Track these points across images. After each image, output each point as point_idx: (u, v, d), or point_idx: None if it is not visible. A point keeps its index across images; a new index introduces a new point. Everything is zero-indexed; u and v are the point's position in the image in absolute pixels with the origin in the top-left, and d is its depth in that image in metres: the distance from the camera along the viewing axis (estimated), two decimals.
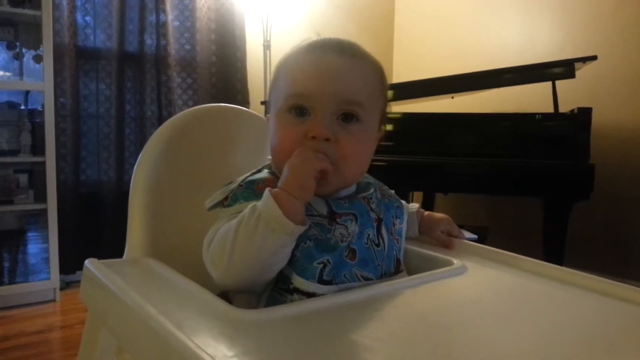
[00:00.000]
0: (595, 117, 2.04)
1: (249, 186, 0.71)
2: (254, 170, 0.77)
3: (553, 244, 2.06)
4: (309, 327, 0.55)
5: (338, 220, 0.70)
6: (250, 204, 0.65)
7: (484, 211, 3.01)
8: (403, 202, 0.95)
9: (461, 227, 0.96)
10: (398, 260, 0.78)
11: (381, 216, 0.77)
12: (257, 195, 0.67)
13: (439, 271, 0.74)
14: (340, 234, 0.70)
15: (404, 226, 0.84)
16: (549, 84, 2.17)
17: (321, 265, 0.67)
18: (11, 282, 2.35)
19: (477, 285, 0.72)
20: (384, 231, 0.76)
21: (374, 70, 0.76)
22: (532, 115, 2.14)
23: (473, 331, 0.56)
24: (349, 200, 0.74)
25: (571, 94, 2.38)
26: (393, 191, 0.88)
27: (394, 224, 0.80)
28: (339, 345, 0.52)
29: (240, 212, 0.66)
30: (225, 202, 0.71)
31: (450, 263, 0.77)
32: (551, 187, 2.05)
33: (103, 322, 0.73)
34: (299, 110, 0.71)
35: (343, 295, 0.63)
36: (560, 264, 0.76)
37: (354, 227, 0.71)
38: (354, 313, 0.59)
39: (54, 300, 2.36)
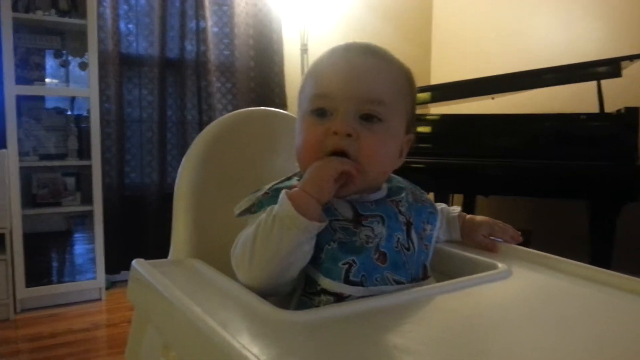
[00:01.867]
0: None
1: (275, 193, 0.71)
2: (284, 178, 0.78)
3: (600, 247, 1.99)
4: (350, 329, 0.55)
5: (364, 222, 0.70)
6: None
7: (527, 214, 2.94)
8: (444, 205, 0.94)
9: None
10: (425, 267, 0.77)
11: (411, 220, 0.76)
12: None
13: (483, 275, 0.73)
14: (366, 235, 0.69)
15: (435, 232, 0.82)
16: (594, 83, 2.11)
17: (346, 266, 0.67)
18: (59, 281, 2.44)
19: (522, 289, 0.70)
20: (414, 235, 0.76)
21: (400, 71, 0.76)
22: (577, 115, 2.08)
23: (517, 336, 0.55)
24: (376, 203, 0.74)
25: (618, 94, 2.30)
26: (429, 195, 0.87)
27: (424, 229, 0.79)
28: (382, 348, 0.51)
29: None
30: (252, 208, 0.73)
31: (494, 267, 0.76)
32: (597, 189, 1.99)
33: (149, 321, 0.75)
34: (321, 111, 0.72)
35: (384, 298, 0.63)
36: (608, 269, 0.73)
37: (380, 229, 0.71)
38: (395, 316, 0.59)
39: (99, 299, 2.44)
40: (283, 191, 0.67)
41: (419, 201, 0.81)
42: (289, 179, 0.77)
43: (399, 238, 0.73)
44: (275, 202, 0.68)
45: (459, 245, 0.89)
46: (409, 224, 0.76)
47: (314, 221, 0.64)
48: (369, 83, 0.72)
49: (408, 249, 0.74)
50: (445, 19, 3.59)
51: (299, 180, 0.74)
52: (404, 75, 0.77)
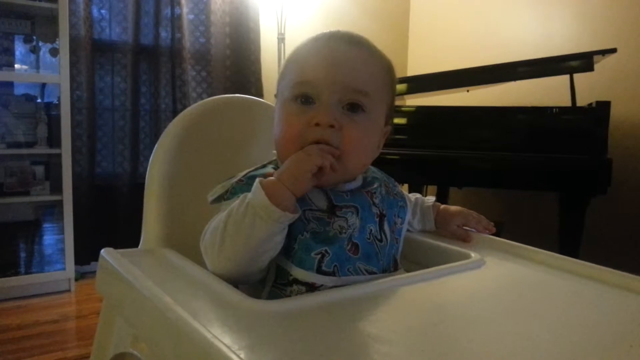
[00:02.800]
0: (614, 111, 2.01)
1: (249, 181, 0.70)
2: (259, 165, 0.77)
3: (569, 238, 2.03)
4: (324, 318, 0.54)
5: (338, 212, 0.70)
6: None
7: (499, 206, 2.98)
8: (418, 195, 0.94)
9: None
10: (395, 260, 0.77)
11: (384, 212, 0.76)
12: None
13: (456, 264, 0.73)
14: (340, 226, 0.69)
15: (405, 226, 0.83)
16: (566, 77, 2.14)
17: (319, 256, 0.67)
18: (27, 272, 2.38)
19: (495, 278, 0.71)
20: (386, 227, 0.76)
21: (382, 63, 0.76)
22: (549, 108, 2.11)
23: (490, 325, 0.55)
24: (351, 193, 0.74)
25: (590, 88, 2.34)
26: (403, 186, 0.87)
27: (395, 223, 0.79)
28: (356, 337, 0.51)
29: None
30: (226, 195, 0.71)
31: (467, 256, 0.76)
32: (568, 181, 2.02)
33: (119, 312, 0.73)
34: (304, 98, 0.71)
35: (357, 287, 0.63)
36: (576, 259, 0.75)
37: (354, 220, 0.70)
38: (369, 305, 0.59)
39: (69, 291, 2.39)
40: (257, 179, 0.66)
41: (391, 194, 0.81)
42: (264, 166, 0.76)
43: (371, 230, 0.73)
44: (249, 190, 0.67)
45: (432, 235, 0.90)
46: (382, 216, 0.75)
47: (287, 212, 0.63)
48: (354, 72, 0.71)
49: (380, 241, 0.74)
50: (423, 11, 3.60)
51: (274, 168, 0.74)
52: (387, 67, 0.77)
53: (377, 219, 0.74)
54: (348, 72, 0.71)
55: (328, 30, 0.76)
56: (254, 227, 0.62)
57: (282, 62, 2.92)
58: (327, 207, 0.70)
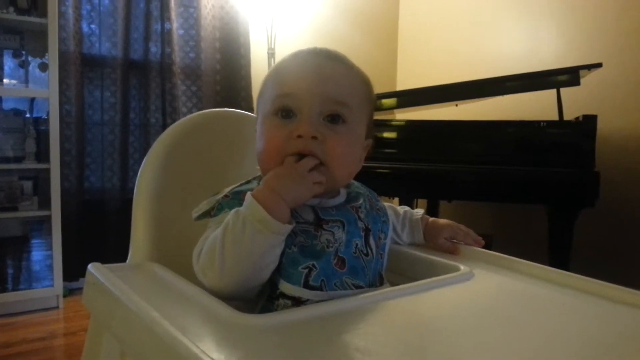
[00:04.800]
0: (601, 125, 2.03)
1: (235, 196, 0.71)
2: (243, 182, 0.77)
3: (558, 251, 2.04)
4: (313, 332, 0.54)
5: (324, 226, 0.70)
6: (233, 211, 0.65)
7: (488, 219, 2.99)
8: (407, 208, 0.95)
9: None
10: (381, 275, 0.78)
11: (369, 226, 0.77)
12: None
13: (445, 277, 0.73)
14: (327, 239, 0.69)
15: (388, 242, 0.83)
16: (553, 91, 2.16)
17: (306, 270, 0.67)
18: (14, 289, 2.35)
19: (484, 291, 0.71)
20: (372, 241, 0.76)
21: (361, 77, 0.78)
22: (537, 122, 2.13)
23: (480, 337, 0.55)
24: (337, 208, 0.74)
25: (576, 102, 2.37)
26: (393, 200, 0.88)
27: (379, 238, 0.79)
28: (344, 351, 0.51)
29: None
30: (212, 212, 0.72)
31: (456, 269, 0.76)
32: (556, 195, 2.04)
33: (106, 327, 0.72)
34: (284, 112, 0.72)
35: (345, 301, 0.63)
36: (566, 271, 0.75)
37: (340, 234, 0.71)
38: (357, 319, 0.59)
39: (57, 308, 2.36)
40: (248, 193, 0.65)
41: (374, 209, 0.81)
42: (248, 182, 0.77)
43: (357, 244, 0.73)
44: (235, 205, 0.67)
45: (421, 248, 0.90)
46: (367, 230, 0.76)
47: (286, 224, 0.63)
48: (334, 84, 0.72)
49: (367, 255, 0.74)
50: (411, 27, 3.64)
51: (259, 183, 0.74)
52: (365, 81, 0.78)
53: (363, 234, 0.75)
54: (328, 84, 0.72)
55: (307, 47, 0.77)
56: (254, 242, 0.62)
57: None
58: (314, 220, 0.70)
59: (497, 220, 2.96)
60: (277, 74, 0.76)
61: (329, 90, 0.71)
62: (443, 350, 0.52)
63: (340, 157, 0.72)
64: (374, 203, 0.82)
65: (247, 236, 0.62)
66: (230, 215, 0.65)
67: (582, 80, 2.16)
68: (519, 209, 2.73)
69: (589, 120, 2.02)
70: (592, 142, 2.00)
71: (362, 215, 0.76)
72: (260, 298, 0.69)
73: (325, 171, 0.70)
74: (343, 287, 0.69)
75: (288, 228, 0.64)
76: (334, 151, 0.70)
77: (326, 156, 0.70)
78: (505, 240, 2.70)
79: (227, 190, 0.74)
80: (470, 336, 0.56)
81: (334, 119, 0.71)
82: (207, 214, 0.72)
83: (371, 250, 0.75)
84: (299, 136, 0.69)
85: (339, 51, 0.77)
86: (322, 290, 0.67)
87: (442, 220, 0.93)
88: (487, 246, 0.90)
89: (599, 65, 2.11)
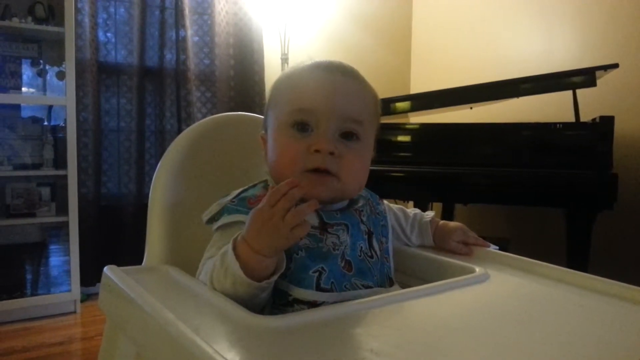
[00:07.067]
0: (618, 126, 2.00)
1: (240, 202, 0.72)
2: (249, 185, 0.78)
3: (576, 254, 2.01)
4: (326, 333, 0.54)
5: (329, 230, 0.71)
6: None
7: (504, 222, 2.96)
8: (417, 210, 0.95)
9: (482, 238, 0.94)
10: (390, 278, 0.78)
11: (372, 229, 0.78)
12: (248, 209, 0.68)
13: (460, 278, 0.73)
14: (332, 242, 0.70)
15: (390, 245, 0.84)
16: (569, 93, 2.14)
17: (317, 274, 0.67)
18: (33, 294, 2.37)
19: (500, 292, 0.70)
20: (375, 244, 0.77)
21: (371, 94, 0.80)
22: (553, 124, 2.11)
23: (496, 339, 0.54)
24: (341, 212, 0.75)
25: (592, 103, 2.34)
26: (408, 203, 0.88)
27: (381, 242, 0.80)
28: (358, 352, 0.51)
29: (226, 224, 0.70)
30: (216, 216, 0.73)
31: (472, 270, 0.76)
32: (573, 197, 2.01)
33: (121, 329, 0.73)
34: (301, 125, 0.73)
35: (359, 302, 0.62)
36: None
37: (345, 237, 0.72)
38: (371, 320, 0.59)
39: (74, 312, 2.38)
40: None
41: (374, 213, 0.82)
42: (254, 185, 0.78)
43: (361, 247, 0.74)
44: (238, 212, 0.69)
45: (435, 250, 0.90)
46: (370, 233, 0.77)
47: (264, 281, 0.61)
48: (351, 103, 0.74)
49: (371, 257, 0.75)
50: (425, 30, 3.63)
51: (264, 187, 0.75)
52: (375, 97, 0.81)
53: (366, 236, 0.76)
54: (345, 102, 0.74)
55: (321, 60, 0.78)
56: (236, 290, 0.62)
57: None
58: (319, 224, 0.71)
59: (513, 223, 2.93)
60: (293, 87, 0.77)
61: (345, 108, 0.73)
62: (459, 352, 0.51)
63: (355, 173, 0.74)
64: (374, 207, 0.83)
65: (229, 284, 0.62)
66: (218, 256, 0.65)
67: (598, 81, 2.14)
68: (535, 212, 2.70)
69: (606, 122, 1.99)
70: (610, 144, 1.98)
71: (364, 219, 0.77)
72: (265, 307, 0.68)
73: (337, 184, 0.71)
74: (353, 288, 0.70)
75: (269, 282, 0.62)
76: (350, 168, 0.73)
77: (341, 172, 0.72)
78: (522, 243, 2.67)
79: (235, 193, 0.75)
80: (487, 338, 0.55)
81: (348, 136, 0.73)
82: (213, 218, 0.74)
83: (375, 252, 0.76)
84: (317, 151, 0.70)
85: (353, 57, 0.79)
86: (334, 292, 0.67)
87: (452, 223, 0.94)
88: (503, 250, 0.89)
89: (615, 65, 2.08)
